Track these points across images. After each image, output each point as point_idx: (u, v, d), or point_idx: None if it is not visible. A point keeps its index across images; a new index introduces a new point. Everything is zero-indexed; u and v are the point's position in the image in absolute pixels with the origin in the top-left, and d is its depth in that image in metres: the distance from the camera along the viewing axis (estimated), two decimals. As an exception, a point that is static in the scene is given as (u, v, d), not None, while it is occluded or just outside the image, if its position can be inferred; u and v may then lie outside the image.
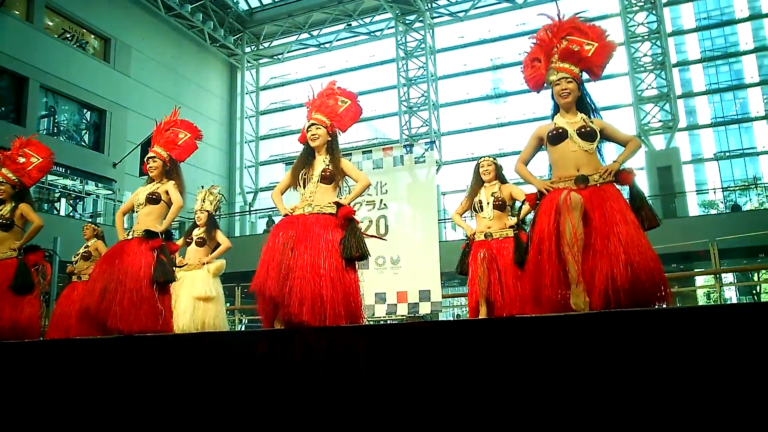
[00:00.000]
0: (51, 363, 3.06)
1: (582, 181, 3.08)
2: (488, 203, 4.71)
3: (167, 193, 4.21)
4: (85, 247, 6.17)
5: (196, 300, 5.54)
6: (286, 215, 3.48)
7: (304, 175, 3.58)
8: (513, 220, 4.71)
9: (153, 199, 4.18)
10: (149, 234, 4.05)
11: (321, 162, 3.61)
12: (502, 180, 4.86)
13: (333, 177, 3.55)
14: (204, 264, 5.72)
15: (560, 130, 3.21)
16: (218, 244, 5.86)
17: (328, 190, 3.54)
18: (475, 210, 4.77)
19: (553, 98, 3.34)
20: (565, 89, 3.22)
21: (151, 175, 4.28)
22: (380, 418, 2.18)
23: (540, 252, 3.02)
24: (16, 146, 4.96)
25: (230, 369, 2.55)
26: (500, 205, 4.71)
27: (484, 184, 4.81)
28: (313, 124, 3.62)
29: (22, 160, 4.90)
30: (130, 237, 4.07)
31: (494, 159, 4.95)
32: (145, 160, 4.31)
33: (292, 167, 3.70)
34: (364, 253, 3.36)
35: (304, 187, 3.55)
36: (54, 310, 5.71)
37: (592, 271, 2.86)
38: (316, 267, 3.15)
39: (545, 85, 3.36)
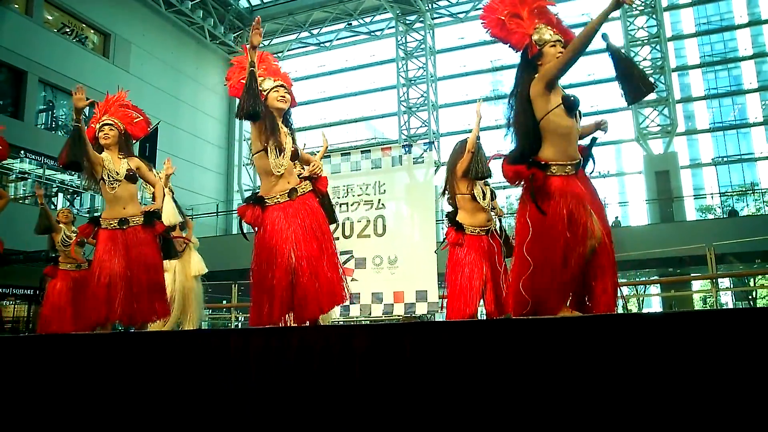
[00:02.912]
0: (41, 359, 3.05)
1: (580, 166, 2.98)
2: (484, 192, 4.33)
3: (138, 169, 4.01)
4: (73, 233, 5.96)
5: (197, 278, 5.68)
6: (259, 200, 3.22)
7: (275, 142, 3.20)
8: (499, 210, 4.46)
9: (132, 176, 3.94)
10: (151, 219, 3.94)
11: (285, 134, 3.29)
12: None
13: (297, 154, 3.39)
14: (187, 242, 5.72)
15: (574, 98, 2.92)
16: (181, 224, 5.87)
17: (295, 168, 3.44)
18: (474, 198, 4.30)
19: (527, 57, 3.04)
20: (561, 52, 2.93)
21: (103, 142, 3.95)
22: (375, 420, 2.17)
23: (547, 257, 2.83)
24: None
25: (225, 367, 2.54)
26: (492, 193, 4.43)
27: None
28: (280, 86, 3.31)
29: None
30: (124, 227, 3.84)
31: None
32: (97, 126, 4.02)
33: (270, 124, 3.23)
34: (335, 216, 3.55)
35: (278, 157, 3.21)
36: (45, 302, 5.58)
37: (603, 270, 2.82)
38: (321, 263, 3.12)
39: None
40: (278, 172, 3.20)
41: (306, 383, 2.32)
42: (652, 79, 3.28)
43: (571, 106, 2.90)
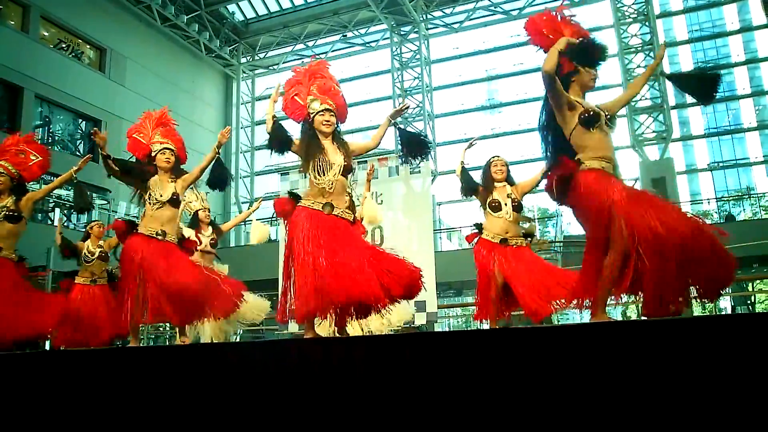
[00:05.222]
0: (64, 374, 3.03)
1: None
2: (506, 204, 4.44)
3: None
4: (98, 247, 5.85)
5: None
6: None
7: (320, 161, 3.35)
8: (529, 227, 4.56)
9: (175, 200, 4.19)
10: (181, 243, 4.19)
11: (335, 150, 3.43)
12: (511, 182, 4.62)
13: (350, 169, 3.46)
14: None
15: (593, 113, 3.03)
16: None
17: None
18: (492, 209, 4.47)
19: (561, 72, 3.11)
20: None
21: (168, 167, 4.24)
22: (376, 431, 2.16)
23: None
24: (13, 141, 4.86)
25: (227, 379, 2.53)
26: (518, 207, 4.47)
27: (496, 185, 4.56)
28: (327, 110, 3.45)
29: (22, 155, 4.83)
30: (160, 238, 4.03)
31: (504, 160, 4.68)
32: (158, 152, 4.24)
33: (306, 145, 3.42)
34: None
35: (322, 175, 3.34)
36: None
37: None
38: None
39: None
40: (324, 187, 3.31)
41: (306, 395, 2.31)
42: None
43: (586, 123, 3.00)
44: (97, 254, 5.61)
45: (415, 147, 3.64)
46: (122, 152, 4.58)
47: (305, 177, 3.48)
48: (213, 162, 4.41)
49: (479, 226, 4.57)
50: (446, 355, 2.16)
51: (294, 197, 3.37)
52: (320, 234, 3.16)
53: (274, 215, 3.79)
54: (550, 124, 3.14)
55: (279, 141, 3.39)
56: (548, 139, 3.19)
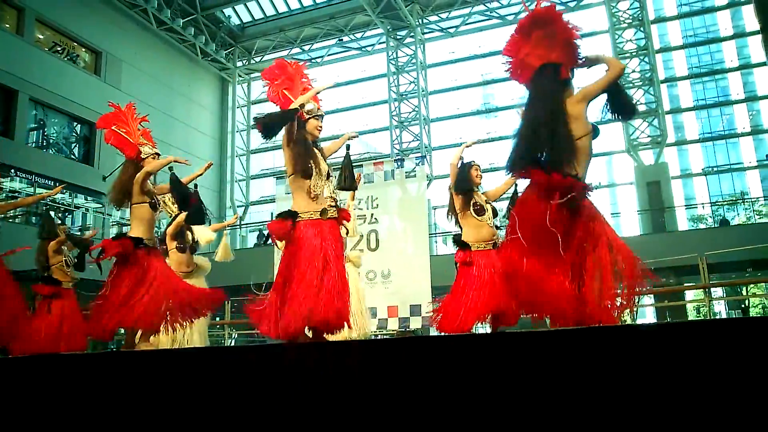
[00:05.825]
0: (56, 378, 3.01)
1: None
2: (486, 209, 4.44)
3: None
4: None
5: None
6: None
7: (314, 167, 3.37)
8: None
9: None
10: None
11: (318, 155, 3.46)
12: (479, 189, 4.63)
13: (329, 175, 3.51)
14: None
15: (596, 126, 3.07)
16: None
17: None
18: (476, 213, 4.41)
19: (557, 77, 3.15)
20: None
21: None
22: (372, 435, 2.15)
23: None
24: None
25: (221, 384, 2.52)
26: (494, 212, 4.52)
27: (474, 190, 4.54)
28: (321, 116, 3.51)
29: None
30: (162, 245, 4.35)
31: None
32: (150, 156, 4.47)
33: (302, 150, 3.39)
34: None
35: (314, 180, 3.36)
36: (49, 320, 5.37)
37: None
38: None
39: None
40: (316, 192, 3.34)
41: (302, 399, 2.30)
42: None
43: (597, 133, 3.05)
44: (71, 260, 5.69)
45: (345, 176, 3.63)
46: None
47: (290, 179, 3.46)
48: (192, 196, 4.48)
49: (463, 243, 4.39)
50: (442, 358, 2.15)
51: (290, 215, 3.31)
52: (327, 249, 3.20)
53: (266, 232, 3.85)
54: (560, 125, 3.01)
55: (277, 124, 3.35)
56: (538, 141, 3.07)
